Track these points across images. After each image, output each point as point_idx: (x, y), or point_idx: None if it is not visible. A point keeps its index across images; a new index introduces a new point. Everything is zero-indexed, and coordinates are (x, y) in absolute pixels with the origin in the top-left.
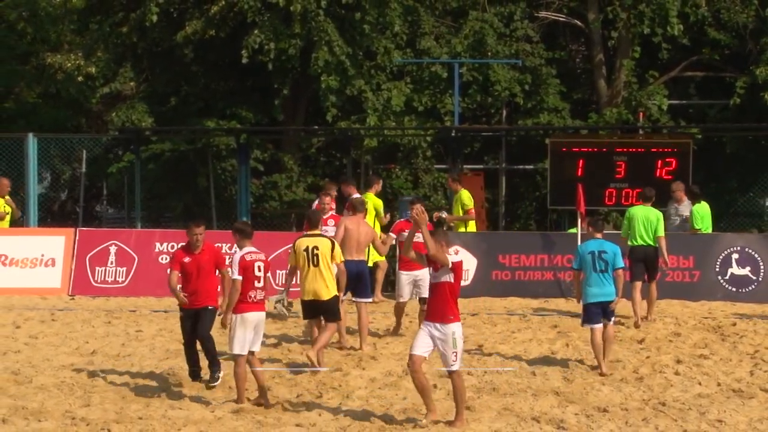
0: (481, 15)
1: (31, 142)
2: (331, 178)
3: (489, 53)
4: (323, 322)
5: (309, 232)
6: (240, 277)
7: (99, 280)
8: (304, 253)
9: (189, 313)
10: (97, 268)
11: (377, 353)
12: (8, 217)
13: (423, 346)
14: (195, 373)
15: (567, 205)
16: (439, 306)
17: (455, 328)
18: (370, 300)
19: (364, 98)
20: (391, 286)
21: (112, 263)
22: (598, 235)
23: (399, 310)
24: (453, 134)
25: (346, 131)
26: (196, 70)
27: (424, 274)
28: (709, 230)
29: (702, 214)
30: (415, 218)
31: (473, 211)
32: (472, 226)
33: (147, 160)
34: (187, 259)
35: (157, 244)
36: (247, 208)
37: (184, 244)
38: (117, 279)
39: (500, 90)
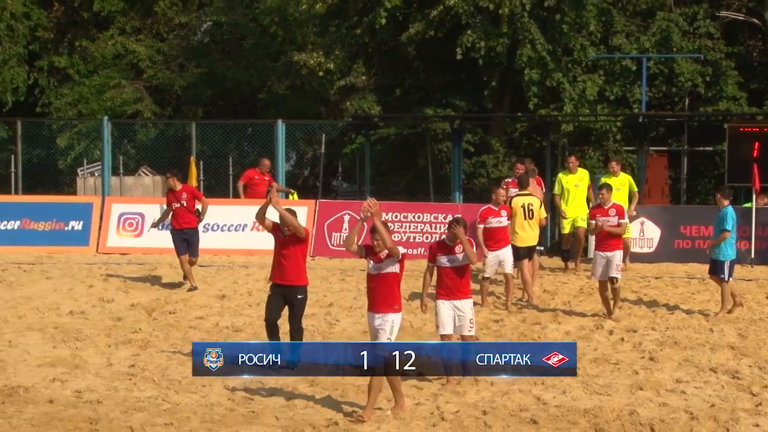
0: (668, 15)
1: (280, 127)
2: (531, 158)
3: (674, 49)
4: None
5: (521, 192)
6: None
7: (335, 244)
8: (521, 209)
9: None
10: (333, 233)
11: (572, 309)
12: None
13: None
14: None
15: (743, 182)
16: (384, 296)
17: (394, 318)
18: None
19: (562, 89)
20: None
21: (345, 229)
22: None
23: (602, 290)
24: (640, 120)
25: (545, 118)
26: (417, 65)
27: (616, 255)
28: None
29: None
30: (368, 210)
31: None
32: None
33: (375, 143)
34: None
35: (384, 214)
36: (459, 184)
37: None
38: None
39: (683, 81)
